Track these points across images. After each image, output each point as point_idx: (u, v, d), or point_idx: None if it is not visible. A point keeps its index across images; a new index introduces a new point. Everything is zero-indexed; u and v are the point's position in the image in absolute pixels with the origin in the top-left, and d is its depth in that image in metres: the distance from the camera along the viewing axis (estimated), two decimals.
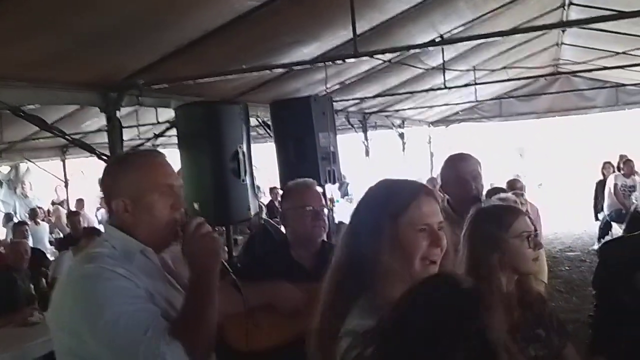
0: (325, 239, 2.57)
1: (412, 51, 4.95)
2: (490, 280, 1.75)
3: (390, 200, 1.42)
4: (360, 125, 9.36)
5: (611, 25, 6.02)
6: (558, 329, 1.89)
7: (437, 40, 5.26)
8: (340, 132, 6.49)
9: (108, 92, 3.88)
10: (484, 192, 4.94)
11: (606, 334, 2.29)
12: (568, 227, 11.13)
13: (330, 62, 4.36)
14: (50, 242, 8.92)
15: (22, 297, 4.91)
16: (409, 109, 9.96)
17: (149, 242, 1.60)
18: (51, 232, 9.44)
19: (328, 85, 5.59)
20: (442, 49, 5.80)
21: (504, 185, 7.19)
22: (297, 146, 4.54)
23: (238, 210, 3.86)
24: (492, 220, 1.86)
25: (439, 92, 7.87)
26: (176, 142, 3.88)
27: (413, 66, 5.76)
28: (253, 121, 5.42)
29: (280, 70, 4.67)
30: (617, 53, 7.24)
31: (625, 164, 9.49)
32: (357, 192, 12.34)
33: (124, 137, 4.17)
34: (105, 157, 3.88)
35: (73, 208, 9.77)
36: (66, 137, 3.95)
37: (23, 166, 10.66)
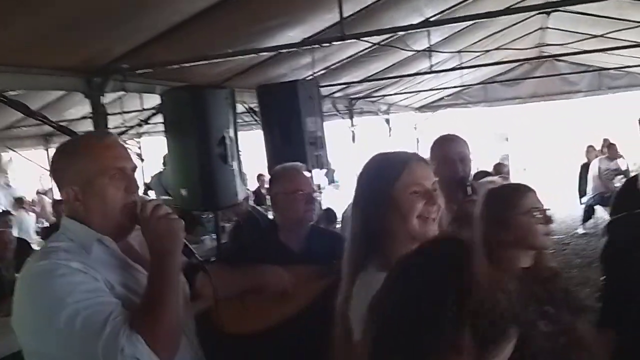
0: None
1: (399, 33, 4.93)
2: (501, 257, 1.81)
3: (384, 169, 1.57)
4: (347, 111, 9.34)
5: (595, 8, 6.05)
6: (571, 306, 1.94)
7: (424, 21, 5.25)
8: (327, 118, 6.48)
9: (92, 77, 3.81)
10: (472, 176, 4.99)
11: (614, 309, 2.35)
12: (552, 210, 11.20)
13: (317, 45, 4.34)
14: (37, 232, 8.84)
15: (7, 286, 4.87)
16: (395, 94, 9.97)
17: (106, 230, 1.52)
18: (37, 222, 9.36)
19: (314, 70, 5.57)
20: (429, 32, 5.80)
21: (490, 170, 7.28)
22: (284, 131, 4.52)
23: (225, 195, 3.84)
24: (500, 200, 1.96)
25: (425, 77, 7.88)
26: (162, 129, 3.84)
27: (400, 48, 5.74)
28: (239, 107, 5.38)
29: (266, 54, 4.63)
30: (600, 36, 7.28)
31: (609, 147, 9.59)
32: (344, 178, 12.37)
33: (109, 126, 4.12)
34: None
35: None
36: (52, 123, 3.89)
37: (5, 155, 10.52)
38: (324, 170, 8.07)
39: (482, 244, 1.86)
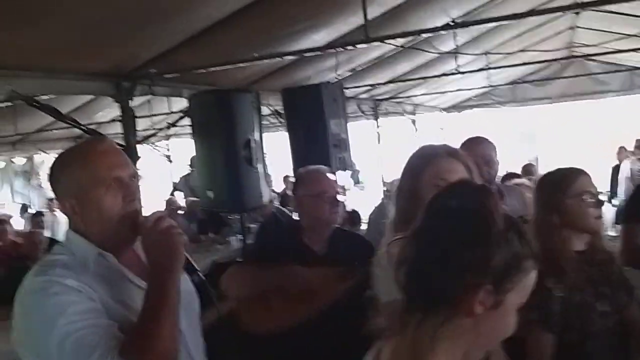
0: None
1: (424, 36, 4.91)
2: (553, 240, 1.86)
3: (414, 161, 1.69)
4: (372, 112, 9.32)
5: (627, 8, 5.92)
6: (625, 288, 1.99)
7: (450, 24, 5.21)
8: (352, 119, 6.48)
9: (121, 82, 3.90)
10: (501, 178, 4.93)
11: None
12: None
13: (342, 48, 4.35)
14: None
15: None
16: (421, 95, 9.89)
17: (106, 242, 1.45)
18: None
19: (339, 72, 5.58)
20: (455, 33, 5.74)
21: (518, 171, 7.17)
22: (309, 133, 4.55)
23: (251, 198, 3.90)
24: (551, 184, 2.01)
25: (451, 77, 7.81)
26: (189, 131, 3.90)
27: (425, 50, 5.71)
28: (264, 109, 5.43)
29: (290, 57, 4.66)
30: (633, 35, 7.13)
31: None
32: (369, 180, 12.33)
33: (138, 128, 4.20)
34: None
35: None
36: (81, 127, 3.98)
37: (38, 157, 10.77)
38: (349, 172, 8.07)
39: (536, 228, 1.91)
